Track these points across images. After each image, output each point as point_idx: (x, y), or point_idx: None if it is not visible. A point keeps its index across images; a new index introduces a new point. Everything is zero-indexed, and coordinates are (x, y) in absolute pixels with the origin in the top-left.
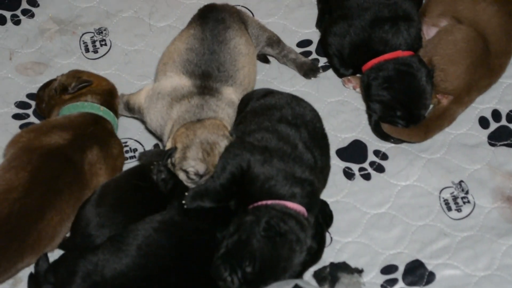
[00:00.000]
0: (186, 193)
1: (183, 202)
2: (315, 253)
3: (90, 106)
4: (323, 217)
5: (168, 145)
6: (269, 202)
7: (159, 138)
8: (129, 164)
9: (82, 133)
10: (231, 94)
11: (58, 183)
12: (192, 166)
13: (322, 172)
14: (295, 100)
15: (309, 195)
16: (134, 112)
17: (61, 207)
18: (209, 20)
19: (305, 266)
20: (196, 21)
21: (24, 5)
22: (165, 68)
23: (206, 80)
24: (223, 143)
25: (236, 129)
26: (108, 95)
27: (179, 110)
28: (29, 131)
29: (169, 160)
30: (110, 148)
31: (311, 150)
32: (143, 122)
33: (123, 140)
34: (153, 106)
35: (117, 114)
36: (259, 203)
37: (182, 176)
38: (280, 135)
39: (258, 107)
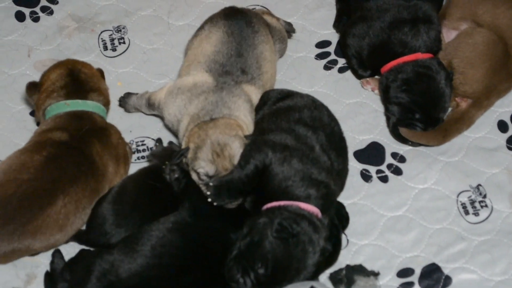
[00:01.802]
0: (211, 183)
1: (208, 193)
2: (331, 255)
3: (57, 106)
4: (339, 219)
5: (183, 145)
6: (282, 203)
7: (175, 134)
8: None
9: (76, 133)
10: (251, 92)
11: (74, 170)
12: (202, 167)
13: (339, 175)
14: (313, 103)
15: (324, 197)
16: (154, 108)
17: (77, 195)
18: (238, 23)
19: (319, 267)
20: (223, 22)
21: (43, 2)
22: (188, 68)
23: (227, 77)
24: (234, 144)
25: (255, 127)
26: (70, 85)
27: (196, 106)
28: (35, 134)
29: (184, 160)
30: (108, 139)
31: (328, 153)
32: (162, 118)
33: (140, 139)
34: (172, 100)
35: (97, 92)
36: (272, 204)
37: (194, 176)
38: (298, 136)
39: (276, 108)
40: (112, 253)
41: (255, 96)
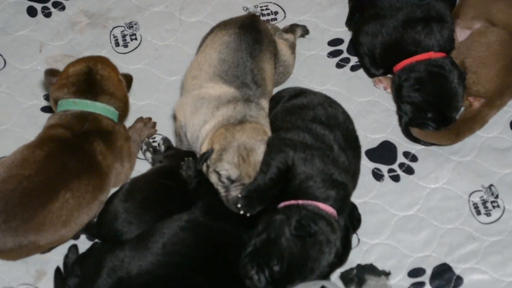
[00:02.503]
0: (239, 195)
1: (238, 206)
2: (340, 256)
3: (66, 102)
4: (350, 219)
5: (204, 146)
6: (301, 202)
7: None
8: None
9: (78, 129)
10: (266, 106)
11: (76, 166)
12: (226, 169)
13: (353, 176)
14: (327, 101)
15: (342, 198)
16: (181, 137)
17: (79, 190)
18: (249, 35)
19: (333, 268)
20: (235, 29)
21: None
22: (197, 81)
23: (248, 91)
24: (260, 150)
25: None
26: (82, 83)
27: (226, 113)
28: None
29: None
30: (113, 143)
31: (346, 152)
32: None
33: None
34: (197, 110)
35: (109, 95)
36: (291, 202)
37: (214, 178)
38: (315, 135)
39: (290, 106)
40: (124, 249)
41: (267, 109)
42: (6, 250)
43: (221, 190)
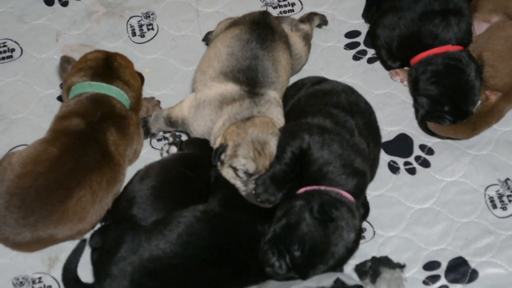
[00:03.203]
0: (256, 183)
1: (255, 192)
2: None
3: (81, 86)
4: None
5: (218, 142)
6: (322, 187)
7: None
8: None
9: (92, 118)
10: (276, 96)
11: (87, 162)
12: (243, 164)
13: (373, 165)
14: (349, 89)
15: (361, 186)
16: (178, 125)
17: (92, 186)
18: (259, 27)
19: (350, 254)
20: (245, 24)
21: None
22: (204, 77)
23: (253, 87)
24: (272, 142)
25: (290, 111)
26: (99, 67)
27: (231, 111)
28: (54, 118)
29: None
30: (126, 128)
31: (367, 140)
32: (186, 133)
33: None
34: (199, 113)
35: (124, 83)
36: (312, 188)
37: (229, 173)
38: (337, 119)
39: (313, 92)
40: (139, 233)
41: (280, 101)
42: (24, 243)
43: (240, 185)
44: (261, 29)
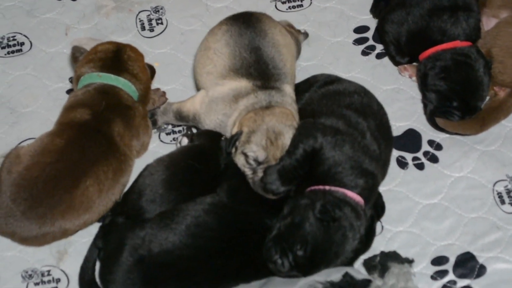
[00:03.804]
0: (264, 172)
1: (262, 181)
2: (365, 243)
3: (90, 76)
4: (374, 207)
5: (234, 129)
6: (327, 187)
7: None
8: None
9: (98, 108)
10: (290, 91)
11: (93, 152)
12: (254, 151)
13: (383, 166)
14: (362, 90)
15: (371, 188)
16: (188, 120)
17: (98, 176)
18: (239, 16)
19: (357, 254)
20: (227, 20)
21: None
22: (212, 77)
23: (266, 81)
24: (288, 135)
25: (302, 109)
26: (109, 59)
27: (247, 101)
28: (62, 108)
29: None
30: (131, 119)
31: (378, 141)
32: (196, 127)
33: None
34: (212, 108)
35: (132, 76)
36: (318, 187)
37: (241, 159)
38: (349, 121)
39: (325, 92)
40: (144, 227)
41: (293, 95)
42: (31, 237)
43: (248, 172)
44: (242, 17)
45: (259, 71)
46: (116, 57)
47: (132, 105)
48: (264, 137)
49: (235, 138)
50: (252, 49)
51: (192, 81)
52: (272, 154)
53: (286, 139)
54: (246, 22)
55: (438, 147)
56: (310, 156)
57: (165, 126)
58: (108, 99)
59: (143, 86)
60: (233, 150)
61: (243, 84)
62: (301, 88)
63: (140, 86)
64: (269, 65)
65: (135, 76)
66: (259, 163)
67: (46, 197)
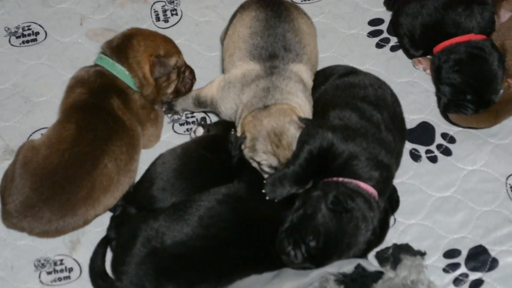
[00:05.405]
0: (265, 181)
1: (264, 191)
2: (378, 236)
3: (99, 57)
4: (389, 201)
5: (239, 132)
6: (341, 179)
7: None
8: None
9: (93, 86)
10: (300, 72)
11: (104, 129)
12: (265, 159)
13: (397, 158)
14: (377, 82)
15: (385, 180)
16: (207, 105)
17: (114, 152)
18: (268, 2)
19: (370, 246)
20: (255, 3)
21: None
22: (232, 59)
23: (273, 61)
24: (290, 132)
25: (317, 100)
26: (116, 45)
27: (249, 95)
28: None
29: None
30: (129, 101)
31: (392, 134)
32: (216, 114)
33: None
34: (226, 95)
35: (127, 65)
36: (330, 179)
37: (254, 164)
38: (363, 113)
39: (341, 84)
40: (158, 219)
41: (306, 74)
42: (52, 230)
43: (266, 175)
44: (272, 4)
45: (271, 53)
46: (123, 43)
47: (126, 90)
48: (267, 143)
49: (239, 142)
50: (273, 34)
51: (207, 72)
52: (282, 156)
53: (289, 136)
54: (274, 10)
55: (452, 140)
56: (316, 156)
57: (179, 116)
58: (103, 79)
59: (137, 78)
60: (239, 152)
61: (251, 67)
62: (318, 80)
63: (133, 75)
64: (281, 48)
65: (130, 66)
66: (274, 168)
67: (68, 183)
